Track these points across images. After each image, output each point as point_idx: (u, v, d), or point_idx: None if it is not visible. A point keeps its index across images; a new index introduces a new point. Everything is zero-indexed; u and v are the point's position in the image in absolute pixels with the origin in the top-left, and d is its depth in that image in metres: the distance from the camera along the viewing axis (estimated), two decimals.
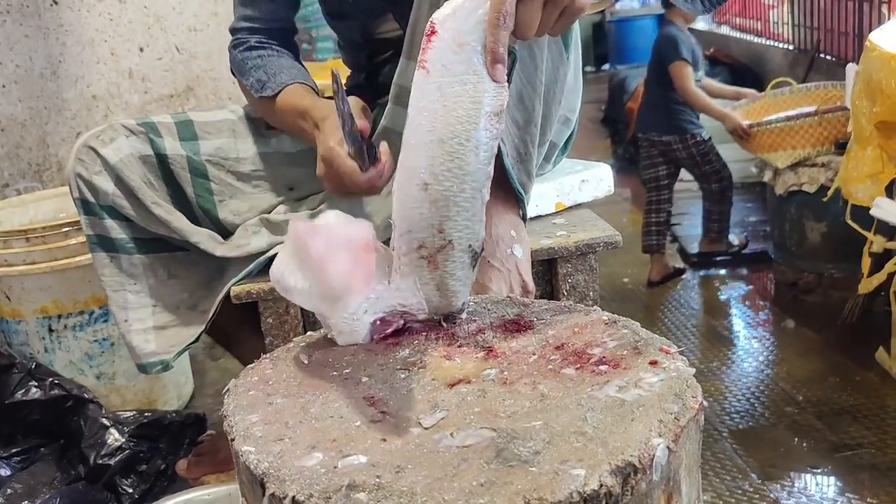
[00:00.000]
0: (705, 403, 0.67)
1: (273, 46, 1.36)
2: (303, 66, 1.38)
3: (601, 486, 0.57)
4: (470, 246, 0.86)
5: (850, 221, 2.30)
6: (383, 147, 1.12)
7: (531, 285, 1.17)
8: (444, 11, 0.81)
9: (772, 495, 1.85)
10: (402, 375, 0.79)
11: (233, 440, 0.72)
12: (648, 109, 3.41)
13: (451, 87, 0.80)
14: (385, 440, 0.67)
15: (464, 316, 0.90)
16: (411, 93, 0.82)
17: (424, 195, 0.82)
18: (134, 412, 1.81)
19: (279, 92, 1.29)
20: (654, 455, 0.59)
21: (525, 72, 1.11)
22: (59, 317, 1.96)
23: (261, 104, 1.34)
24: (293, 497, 0.61)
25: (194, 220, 1.34)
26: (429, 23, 0.80)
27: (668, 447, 0.60)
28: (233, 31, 1.39)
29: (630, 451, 0.59)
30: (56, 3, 2.40)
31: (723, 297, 3.19)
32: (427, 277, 0.86)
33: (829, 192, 2.48)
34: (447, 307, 0.88)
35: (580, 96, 1.37)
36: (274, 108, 1.30)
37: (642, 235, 3.37)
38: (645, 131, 3.40)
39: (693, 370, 0.70)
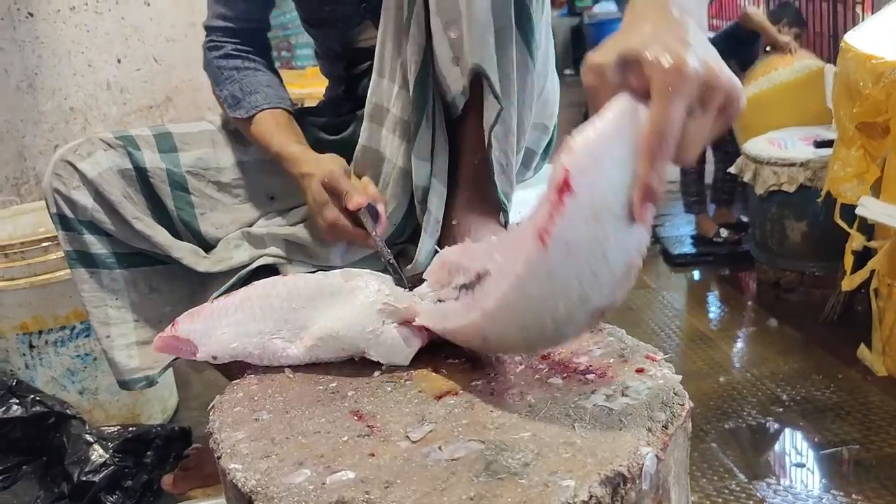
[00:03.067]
0: (691, 404, 0.67)
1: (250, 57, 1.36)
2: (276, 74, 1.38)
3: (591, 496, 0.57)
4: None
5: (838, 221, 2.32)
6: (380, 208, 1.15)
7: None
8: (582, 151, 0.62)
9: (758, 494, 1.86)
10: (389, 388, 0.79)
11: (219, 458, 0.71)
12: None
13: (565, 279, 0.63)
14: (373, 455, 0.66)
15: None
16: (521, 260, 0.65)
17: (483, 346, 0.78)
18: (118, 427, 1.79)
19: (252, 115, 1.29)
20: (642, 464, 0.59)
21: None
22: (40, 333, 1.94)
23: (235, 121, 1.34)
24: None
25: (175, 234, 1.32)
26: (561, 169, 0.61)
27: (656, 456, 0.60)
28: (207, 29, 1.38)
29: (619, 460, 0.59)
30: (31, 14, 2.37)
31: (706, 298, 3.21)
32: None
33: (822, 195, 2.49)
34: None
35: (557, 103, 1.37)
36: (247, 129, 1.31)
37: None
38: None
39: (680, 377, 0.71)
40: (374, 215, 1.14)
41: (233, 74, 1.33)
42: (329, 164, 1.17)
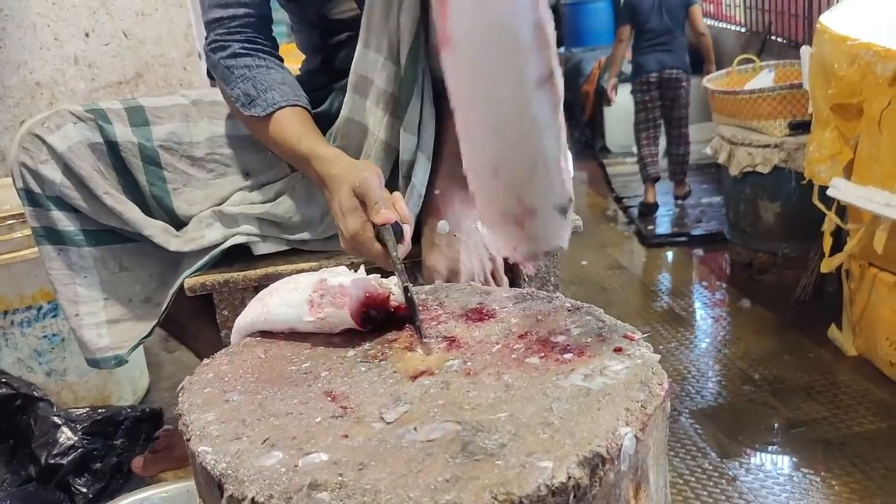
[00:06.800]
0: (669, 384, 0.67)
1: (260, 55, 1.26)
2: (289, 72, 1.29)
3: (569, 478, 0.56)
4: (556, 204, 0.78)
5: (817, 202, 2.32)
6: (406, 228, 1.05)
7: (499, 258, 1.15)
8: None
9: (730, 473, 1.87)
10: (363, 368, 0.78)
11: (188, 440, 0.69)
12: (657, 51, 3.84)
13: (486, 61, 0.68)
14: (347, 436, 0.65)
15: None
16: (446, 78, 0.73)
17: (496, 181, 0.78)
18: (87, 409, 1.76)
19: (270, 113, 1.21)
20: (621, 445, 0.58)
21: None
22: (6, 313, 1.90)
23: (247, 121, 1.26)
24: (252, 498, 0.59)
25: (147, 210, 1.29)
26: None
27: (635, 436, 0.59)
28: (208, 25, 1.27)
29: (597, 441, 0.59)
30: None
31: (680, 278, 3.23)
32: (515, 233, 0.81)
33: (806, 177, 2.48)
34: (544, 246, 0.82)
35: None
36: (264, 130, 1.22)
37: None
38: (657, 70, 3.85)
39: (658, 357, 0.70)
40: (398, 234, 1.04)
41: (244, 73, 1.23)
42: (364, 171, 1.08)
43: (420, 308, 0.88)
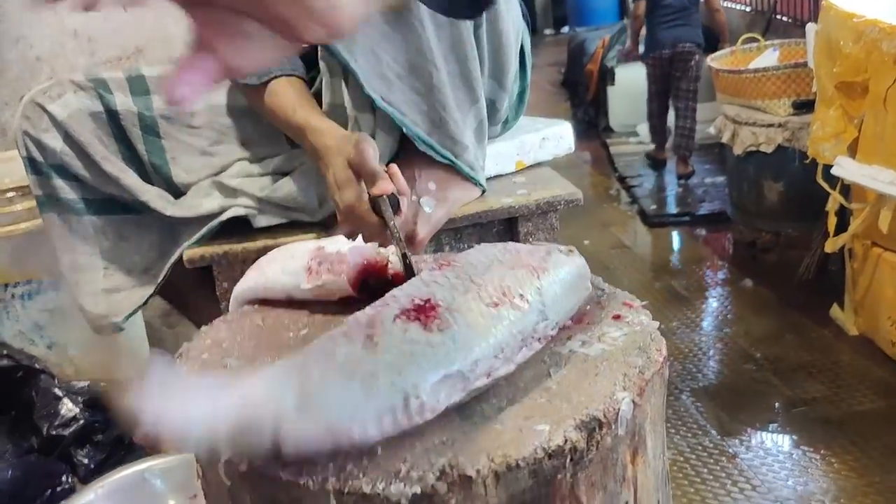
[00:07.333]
0: (665, 353, 0.66)
1: None
2: None
3: (566, 441, 0.55)
4: None
5: (821, 181, 2.31)
6: (403, 201, 1.03)
7: (419, 239, 1.14)
8: None
9: (730, 451, 1.88)
10: None
11: None
12: (673, 26, 3.89)
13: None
14: None
15: None
16: None
17: None
18: (88, 382, 1.77)
19: (265, 82, 1.20)
20: (618, 409, 0.58)
21: (410, 40, 1.10)
22: (6, 286, 1.90)
23: (242, 88, 1.25)
24: (249, 462, 0.59)
25: (146, 179, 1.30)
26: None
27: (633, 401, 0.59)
28: None
29: (595, 405, 0.58)
30: None
31: (682, 258, 3.23)
32: None
33: (809, 156, 2.47)
34: None
35: (513, 61, 1.31)
36: (259, 99, 1.21)
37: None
38: (672, 46, 3.89)
39: (657, 323, 0.69)
40: (395, 205, 1.01)
41: None
42: (359, 143, 1.05)
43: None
